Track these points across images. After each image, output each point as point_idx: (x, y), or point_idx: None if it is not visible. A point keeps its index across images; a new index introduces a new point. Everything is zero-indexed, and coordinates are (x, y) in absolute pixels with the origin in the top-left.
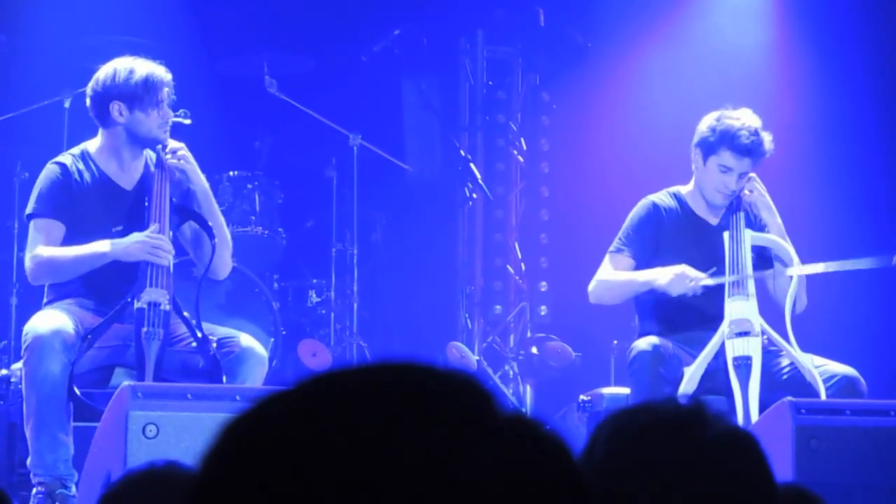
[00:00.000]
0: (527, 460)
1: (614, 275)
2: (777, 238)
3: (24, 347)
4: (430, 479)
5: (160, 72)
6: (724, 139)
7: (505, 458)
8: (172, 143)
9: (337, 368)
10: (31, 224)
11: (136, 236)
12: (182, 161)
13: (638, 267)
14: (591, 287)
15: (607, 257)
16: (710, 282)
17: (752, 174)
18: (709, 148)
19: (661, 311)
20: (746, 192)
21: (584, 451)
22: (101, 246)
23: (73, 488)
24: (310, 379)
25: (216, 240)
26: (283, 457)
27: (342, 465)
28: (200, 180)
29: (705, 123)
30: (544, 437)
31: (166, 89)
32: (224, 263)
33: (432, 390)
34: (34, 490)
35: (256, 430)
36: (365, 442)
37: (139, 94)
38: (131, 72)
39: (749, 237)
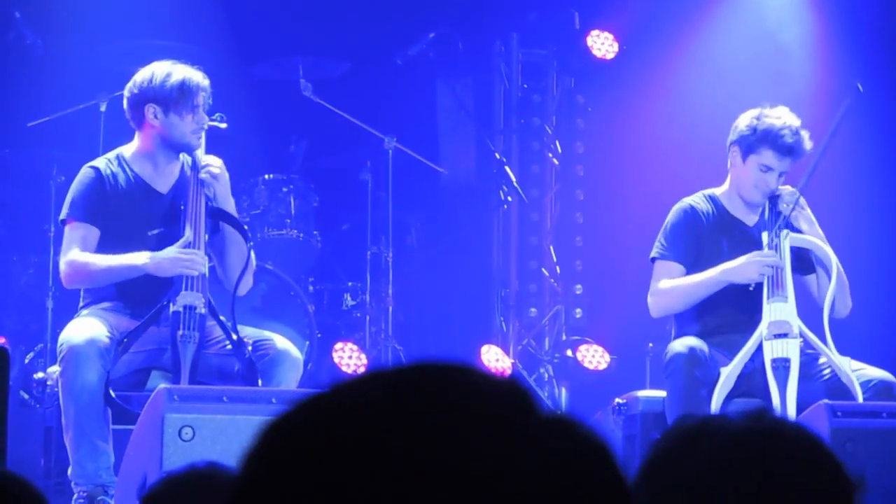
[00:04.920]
0: (570, 460)
1: (677, 281)
2: (816, 240)
3: (59, 358)
4: (475, 480)
5: (197, 77)
6: (766, 139)
7: (548, 458)
8: (208, 159)
9: (377, 369)
10: (66, 228)
11: (168, 252)
12: (209, 176)
13: (688, 271)
14: (652, 300)
15: (657, 266)
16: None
17: (797, 192)
18: (749, 147)
19: (697, 313)
20: (787, 206)
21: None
22: (136, 258)
23: None
24: (351, 380)
25: (251, 243)
26: (326, 459)
27: (385, 466)
28: (228, 201)
29: (744, 121)
30: (587, 438)
31: (202, 95)
32: (245, 282)
33: (474, 391)
34: (75, 496)
35: (299, 431)
36: (407, 443)
37: (174, 97)
38: (168, 75)
39: (788, 238)
